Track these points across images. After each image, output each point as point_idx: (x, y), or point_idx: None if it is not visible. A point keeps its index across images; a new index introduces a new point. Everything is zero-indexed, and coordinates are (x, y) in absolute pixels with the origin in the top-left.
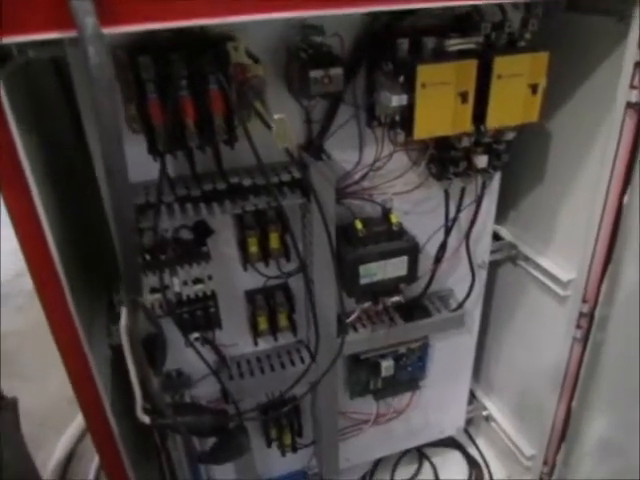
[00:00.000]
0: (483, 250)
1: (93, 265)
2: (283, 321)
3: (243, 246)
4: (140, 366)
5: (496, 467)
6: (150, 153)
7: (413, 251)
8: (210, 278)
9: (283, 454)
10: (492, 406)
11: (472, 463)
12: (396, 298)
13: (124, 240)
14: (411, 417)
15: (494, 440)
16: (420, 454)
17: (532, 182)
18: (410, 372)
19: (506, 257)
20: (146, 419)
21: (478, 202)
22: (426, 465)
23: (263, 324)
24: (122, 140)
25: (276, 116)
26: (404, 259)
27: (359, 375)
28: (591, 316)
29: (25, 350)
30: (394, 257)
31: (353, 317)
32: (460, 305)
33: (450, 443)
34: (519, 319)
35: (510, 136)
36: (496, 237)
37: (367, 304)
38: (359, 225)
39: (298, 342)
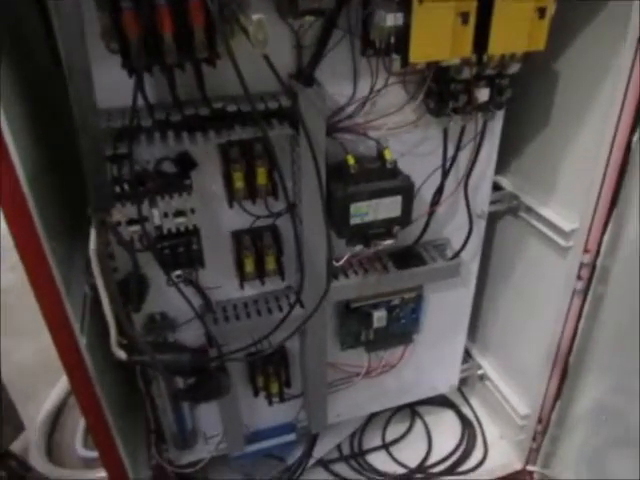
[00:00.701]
0: (482, 199)
1: (77, 204)
2: (271, 264)
3: (228, 181)
4: (113, 294)
5: (489, 426)
6: (124, 67)
7: (408, 191)
8: (193, 212)
9: (270, 403)
10: (487, 365)
11: (465, 422)
12: (389, 242)
13: (89, 148)
14: (404, 372)
15: (488, 399)
16: (412, 412)
17: (536, 126)
18: (403, 325)
19: (507, 208)
20: (122, 354)
21: (478, 143)
22: (418, 423)
23: (249, 266)
24: (84, 37)
25: (254, 16)
26: (398, 199)
27: (350, 325)
28: (592, 267)
29: (19, 306)
30: (387, 196)
31: (343, 261)
32: (456, 254)
33: (443, 402)
34: (518, 274)
35: (514, 69)
36: (496, 188)
37: (358, 247)
38: (351, 161)
39: (287, 288)
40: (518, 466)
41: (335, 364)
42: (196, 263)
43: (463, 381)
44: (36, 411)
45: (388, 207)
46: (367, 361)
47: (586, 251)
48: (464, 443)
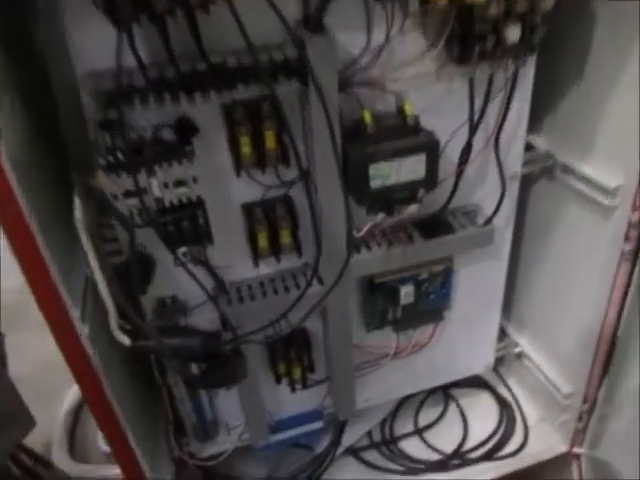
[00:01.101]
0: (514, 160)
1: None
2: (286, 238)
3: (234, 147)
4: (107, 272)
5: (529, 407)
6: (108, 18)
7: (432, 148)
8: (195, 181)
9: (293, 390)
10: (524, 342)
11: (503, 404)
12: (414, 207)
13: (64, 102)
14: (435, 352)
15: (526, 379)
16: (446, 395)
17: (571, 76)
18: (433, 301)
19: (541, 169)
20: (125, 339)
21: (509, 94)
22: (453, 407)
23: (263, 241)
24: None
25: None
26: (422, 158)
27: (375, 303)
28: None
29: (27, 304)
30: (410, 155)
31: (364, 231)
32: (489, 220)
33: (479, 383)
34: (556, 241)
35: (548, 4)
36: (529, 149)
37: (380, 216)
38: (368, 117)
39: (305, 265)
40: (563, 449)
41: (361, 346)
42: (203, 239)
43: (499, 360)
44: (59, 407)
45: (411, 168)
46: (395, 341)
47: (635, 209)
48: (502, 426)
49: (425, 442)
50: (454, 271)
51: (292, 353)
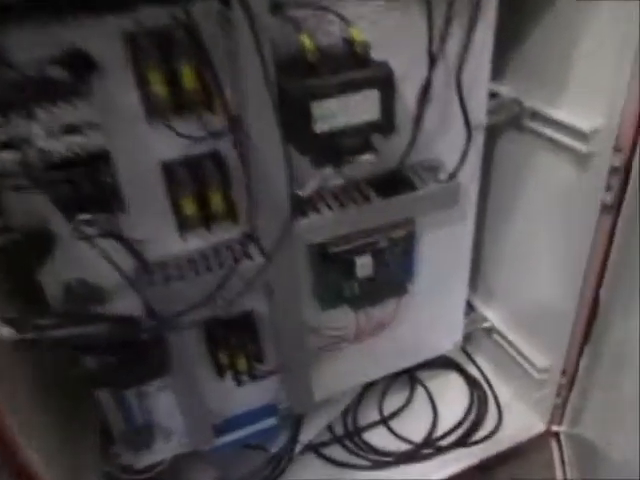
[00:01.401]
0: (478, 107)
1: None
2: (217, 203)
3: (143, 86)
4: None
5: (502, 386)
6: None
7: (386, 82)
8: (94, 127)
9: (239, 383)
10: (494, 316)
11: (473, 384)
12: (369, 158)
13: None
14: (399, 331)
15: (497, 356)
16: (412, 379)
17: (539, 9)
18: (394, 272)
19: (508, 118)
20: (5, 332)
21: (471, 24)
22: (420, 391)
23: (189, 208)
24: None
25: None
26: (374, 94)
27: (329, 277)
28: (626, 172)
29: None
30: (360, 90)
31: (310, 188)
32: (453, 175)
33: (446, 363)
34: (527, 198)
35: None
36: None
37: (328, 170)
38: (308, 44)
39: (244, 236)
40: (540, 428)
41: (316, 328)
42: (112, 204)
43: (467, 338)
44: None
45: (363, 106)
46: (354, 322)
47: (617, 150)
48: (474, 408)
49: (392, 432)
50: (416, 237)
51: (234, 340)
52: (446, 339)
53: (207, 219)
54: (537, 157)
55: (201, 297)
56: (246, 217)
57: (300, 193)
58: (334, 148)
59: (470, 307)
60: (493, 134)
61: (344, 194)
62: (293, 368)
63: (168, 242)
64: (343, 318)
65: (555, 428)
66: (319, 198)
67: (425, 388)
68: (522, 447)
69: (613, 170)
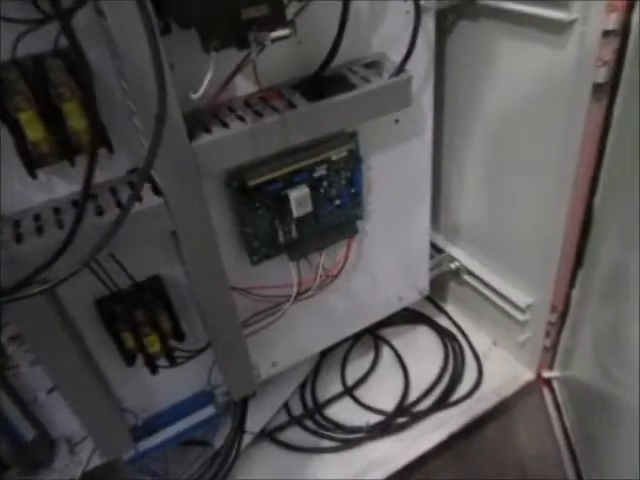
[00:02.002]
0: None
1: None
2: (76, 120)
3: None
4: None
5: (477, 334)
6: None
7: None
8: None
9: (153, 371)
10: (462, 254)
11: (445, 336)
12: (281, 32)
13: None
14: (352, 283)
15: (469, 300)
16: (375, 339)
17: None
18: (339, 207)
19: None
20: None
21: None
22: (386, 352)
23: (36, 132)
24: None
25: None
26: None
27: (257, 220)
28: (623, 37)
29: None
30: None
31: (204, 87)
32: (401, 67)
33: (412, 317)
34: (494, 94)
35: None
36: None
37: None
38: None
39: (129, 172)
40: (529, 376)
41: (248, 289)
42: None
43: (432, 285)
44: None
45: None
46: (296, 274)
47: (612, 10)
48: (450, 364)
49: (359, 402)
50: (362, 159)
51: (140, 315)
52: (410, 288)
53: (66, 148)
54: (504, 36)
55: (69, 258)
56: (125, 144)
57: (193, 96)
58: (230, 22)
59: (433, 248)
60: (444, 25)
61: (262, 103)
62: (224, 343)
63: (21, 189)
64: (281, 272)
65: (546, 374)
66: (228, 111)
67: (391, 347)
68: (510, 400)
69: (608, 34)
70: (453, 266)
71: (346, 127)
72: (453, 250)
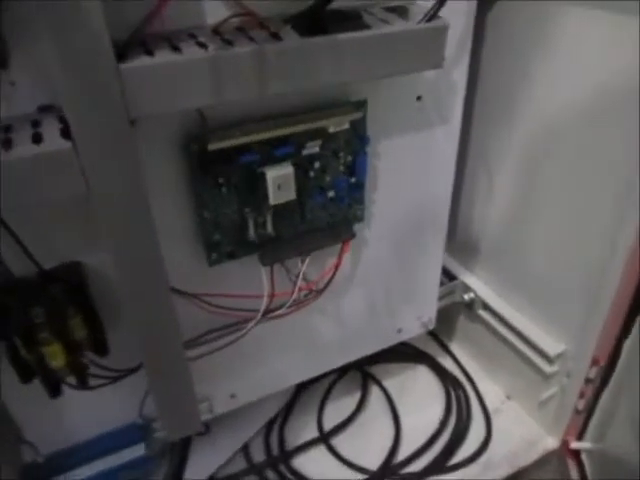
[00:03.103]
0: None
1: None
2: None
3: None
4: None
5: (488, 383)
6: None
7: None
8: None
9: (53, 393)
10: (479, 284)
11: (448, 381)
12: None
13: None
14: (340, 303)
15: (481, 341)
16: (364, 375)
17: None
18: (333, 200)
19: None
20: None
21: None
22: (375, 393)
23: None
24: None
25: None
26: None
27: (220, 201)
28: None
29: None
30: None
31: None
32: (435, 12)
33: (410, 353)
34: (543, 87)
35: None
36: None
37: None
38: None
39: (43, 110)
40: (551, 443)
41: (201, 296)
42: None
43: (438, 317)
44: None
45: None
46: (268, 284)
47: None
48: (452, 416)
49: (336, 454)
50: (369, 140)
51: (38, 315)
52: (413, 318)
53: None
54: (569, 20)
55: None
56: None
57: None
58: None
59: (444, 273)
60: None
61: (235, 34)
62: (158, 364)
63: None
64: (247, 278)
65: (575, 444)
66: (187, 38)
67: (382, 389)
68: (525, 471)
69: None
70: (467, 297)
71: (350, 81)
72: (468, 278)
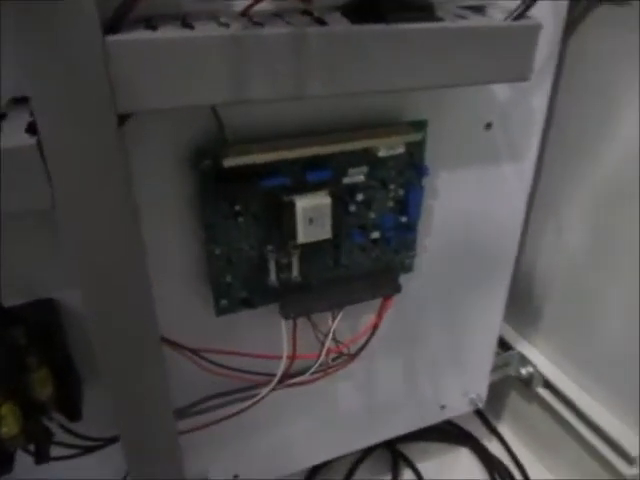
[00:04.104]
0: None
1: None
2: None
3: None
4: None
5: (540, 473)
6: None
7: None
8: None
9: (2, 469)
10: (540, 358)
11: (494, 467)
12: None
13: None
14: (376, 371)
15: (537, 425)
16: (394, 455)
17: None
18: (377, 243)
19: None
20: None
21: None
22: (407, 475)
23: None
24: None
25: None
26: None
27: (236, 234)
28: None
29: None
30: None
31: None
32: (525, 9)
33: (450, 435)
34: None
35: None
36: None
37: None
38: None
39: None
40: None
41: (202, 352)
42: None
43: (487, 391)
44: None
45: None
46: (289, 343)
47: None
48: None
49: None
50: (427, 171)
51: None
52: (459, 394)
53: None
54: None
55: None
56: None
57: None
58: None
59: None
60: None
61: (267, 17)
62: (138, 436)
63: None
64: (263, 334)
65: None
66: (207, 18)
67: (415, 472)
68: None
69: None
70: (524, 371)
71: (413, 88)
72: (527, 348)
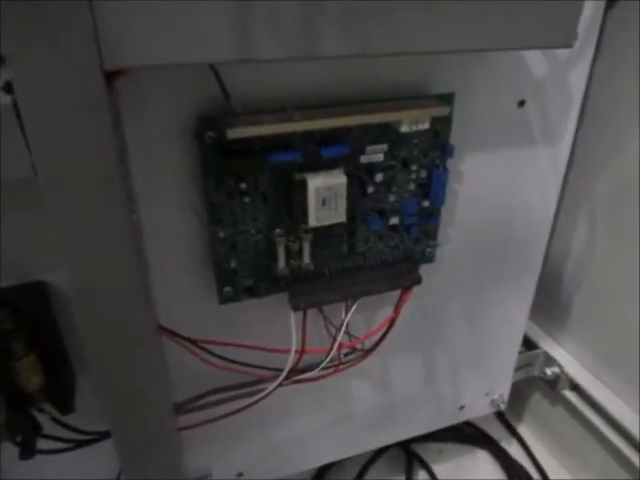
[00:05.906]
0: None
1: None
2: None
3: None
4: None
5: (563, 477)
6: None
7: None
8: None
9: None
10: (567, 358)
11: (513, 471)
12: None
13: None
14: (392, 368)
15: (561, 429)
16: (408, 455)
17: None
18: (395, 229)
19: None
20: None
21: None
22: (421, 477)
23: None
24: None
25: None
26: None
27: (241, 214)
28: None
29: None
30: None
31: None
32: None
33: (467, 437)
34: None
35: None
36: None
37: None
38: None
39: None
40: None
41: (204, 343)
42: None
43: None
44: None
45: None
46: (298, 336)
47: None
48: None
49: None
50: (453, 150)
51: None
52: (480, 394)
53: None
54: None
55: None
56: None
57: None
58: None
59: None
60: None
61: None
62: (134, 431)
63: None
64: (270, 325)
65: None
66: None
67: (430, 473)
68: None
69: None
70: (549, 372)
71: (446, 51)
72: (553, 348)
